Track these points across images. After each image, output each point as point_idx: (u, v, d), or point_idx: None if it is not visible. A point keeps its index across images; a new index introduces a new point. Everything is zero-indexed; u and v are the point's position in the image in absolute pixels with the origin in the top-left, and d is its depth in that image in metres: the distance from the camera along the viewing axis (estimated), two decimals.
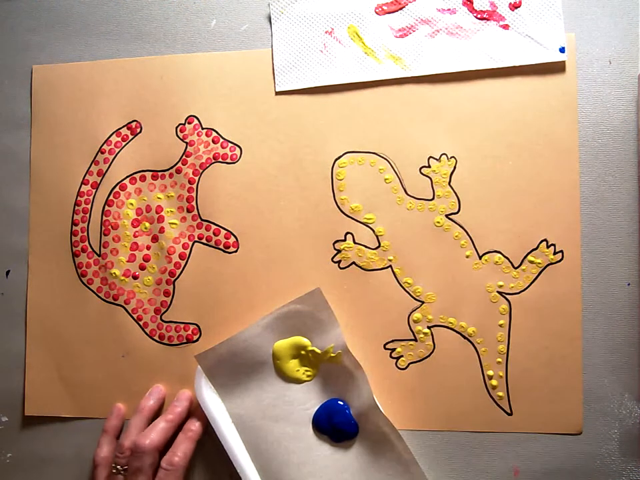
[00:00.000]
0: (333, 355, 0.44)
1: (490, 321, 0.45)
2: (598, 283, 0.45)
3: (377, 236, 0.47)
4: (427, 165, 0.46)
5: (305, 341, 0.45)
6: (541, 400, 0.44)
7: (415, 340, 0.46)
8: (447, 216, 0.46)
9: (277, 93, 0.48)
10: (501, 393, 0.45)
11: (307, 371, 0.46)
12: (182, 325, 0.48)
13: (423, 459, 0.45)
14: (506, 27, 0.46)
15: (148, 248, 0.49)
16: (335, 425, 0.44)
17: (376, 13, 0.47)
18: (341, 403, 0.45)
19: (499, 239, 0.45)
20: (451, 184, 0.46)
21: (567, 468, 0.44)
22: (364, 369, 0.44)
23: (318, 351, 0.45)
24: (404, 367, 0.46)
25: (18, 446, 0.49)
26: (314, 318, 0.45)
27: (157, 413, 0.47)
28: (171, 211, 0.48)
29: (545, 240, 0.45)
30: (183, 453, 0.43)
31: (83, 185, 0.49)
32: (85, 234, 0.49)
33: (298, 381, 0.46)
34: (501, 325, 0.45)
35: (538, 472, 0.44)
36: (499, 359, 0.45)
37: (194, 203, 0.48)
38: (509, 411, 0.45)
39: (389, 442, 0.43)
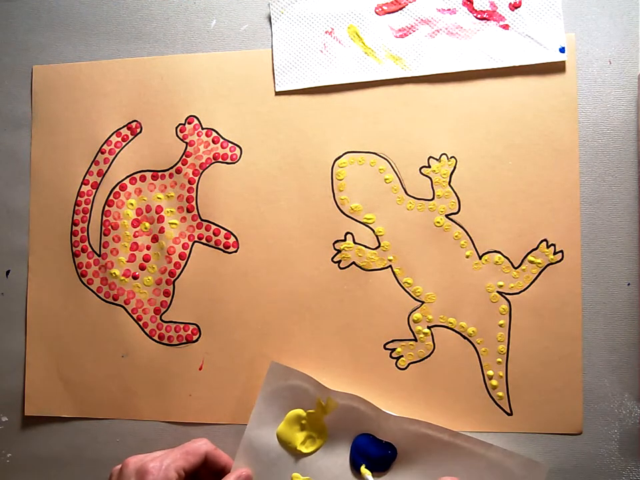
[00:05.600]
0: (324, 404, 0.44)
1: (490, 321, 0.45)
2: (598, 282, 0.45)
3: (376, 236, 0.47)
4: (427, 165, 0.46)
5: (298, 411, 0.45)
6: (541, 400, 0.44)
7: (415, 340, 0.46)
8: (446, 216, 0.46)
9: (277, 93, 0.48)
10: (500, 393, 0.45)
11: (318, 435, 0.45)
12: (182, 325, 0.48)
13: None
14: (506, 27, 0.46)
15: (148, 248, 0.49)
16: (372, 457, 0.43)
17: (376, 13, 0.47)
18: (365, 435, 0.44)
19: (498, 239, 0.45)
20: (451, 184, 0.46)
21: (566, 468, 0.44)
22: (363, 370, 0.44)
23: (312, 410, 0.45)
24: (404, 367, 0.46)
25: (18, 446, 0.49)
26: (288, 388, 0.45)
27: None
28: (171, 211, 0.48)
29: (545, 240, 0.45)
30: None
31: (83, 185, 0.49)
32: (85, 234, 0.49)
33: (316, 448, 0.45)
34: (501, 325, 0.45)
35: None
36: (499, 359, 0.45)
37: (194, 203, 0.48)
38: (508, 411, 0.45)
39: (423, 436, 0.43)
